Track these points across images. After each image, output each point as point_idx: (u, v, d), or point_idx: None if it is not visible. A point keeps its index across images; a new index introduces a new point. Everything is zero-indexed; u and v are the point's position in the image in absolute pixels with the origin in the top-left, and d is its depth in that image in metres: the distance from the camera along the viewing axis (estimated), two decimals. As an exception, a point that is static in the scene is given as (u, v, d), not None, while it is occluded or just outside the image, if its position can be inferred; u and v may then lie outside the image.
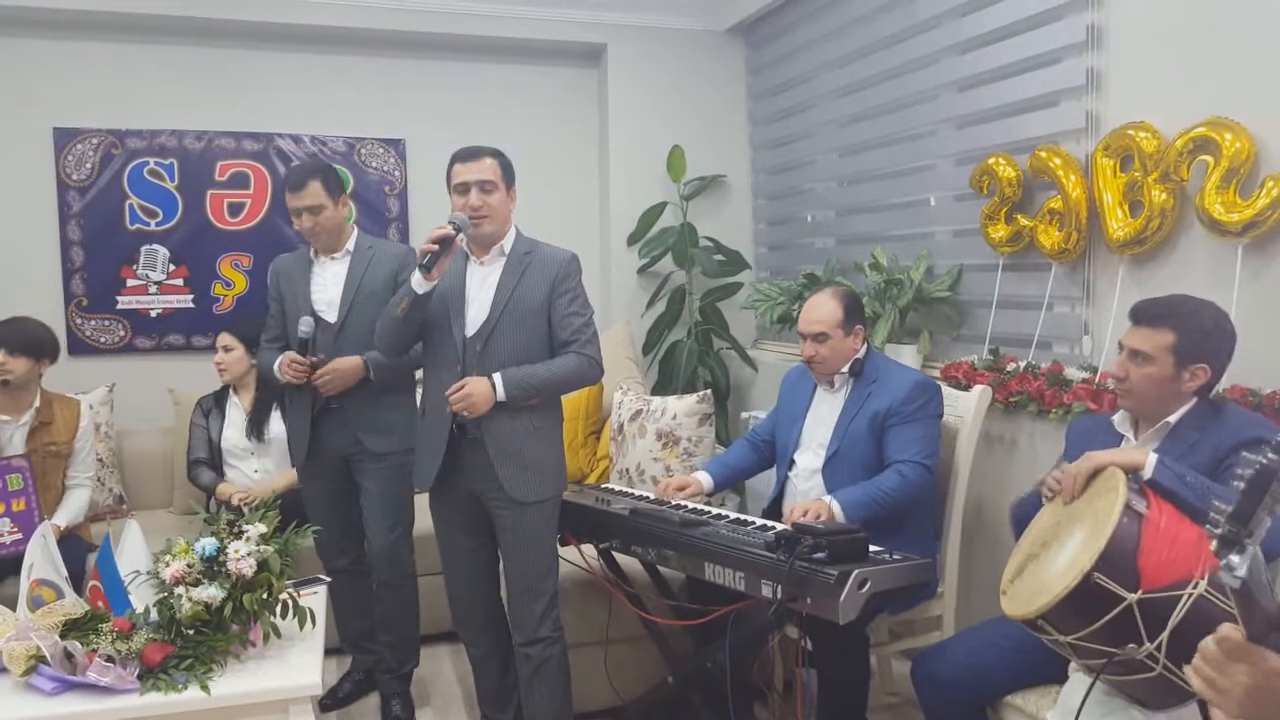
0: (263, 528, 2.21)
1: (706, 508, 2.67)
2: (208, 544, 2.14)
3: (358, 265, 2.87)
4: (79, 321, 4.07)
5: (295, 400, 2.93)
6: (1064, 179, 2.62)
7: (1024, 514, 2.13)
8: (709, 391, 3.57)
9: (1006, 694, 2.09)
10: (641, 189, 4.51)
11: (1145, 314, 1.99)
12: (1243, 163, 2.17)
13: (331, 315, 2.85)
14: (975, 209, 3.01)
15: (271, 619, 2.16)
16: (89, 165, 4.02)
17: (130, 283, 4.11)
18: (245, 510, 2.85)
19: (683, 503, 2.68)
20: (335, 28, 4.14)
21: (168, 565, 2.13)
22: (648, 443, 3.41)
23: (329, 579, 2.64)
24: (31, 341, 3.06)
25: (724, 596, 2.31)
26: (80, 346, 4.04)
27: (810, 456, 2.68)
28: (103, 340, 4.10)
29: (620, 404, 3.63)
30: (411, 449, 2.67)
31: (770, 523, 2.46)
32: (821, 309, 2.62)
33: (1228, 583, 0.96)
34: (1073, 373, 2.65)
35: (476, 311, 2.45)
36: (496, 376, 2.38)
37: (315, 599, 2.41)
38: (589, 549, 2.73)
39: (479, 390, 2.36)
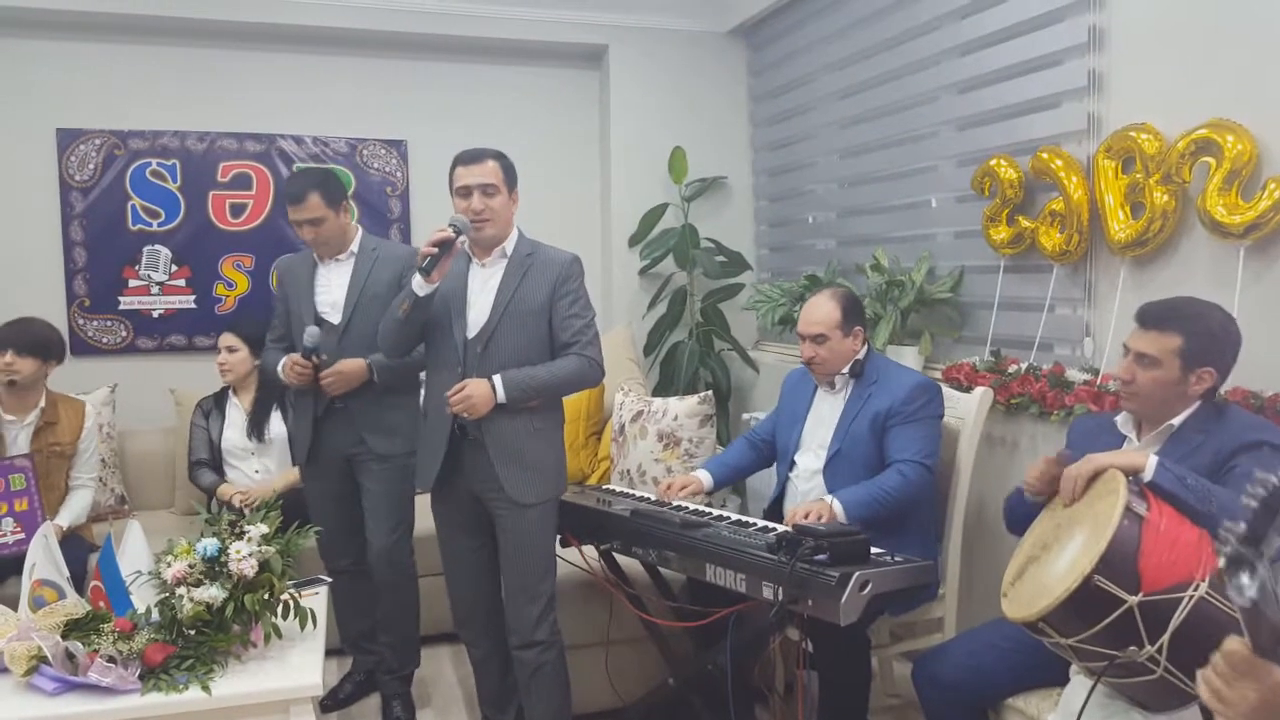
0: (264, 528, 2.22)
1: (707, 509, 2.67)
2: (209, 544, 2.14)
3: (362, 267, 2.88)
4: (81, 322, 4.07)
5: (299, 400, 2.93)
6: (1065, 181, 2.62)
7: (1015, 502, 2.14)
8: (710, 393, 3.57)
9: (1008, 696, 2.09)
10: (643, 190, 4.51)
11: (1152, 317, 1.96)
12: (1245, 165, 2.16)
13: (335, 317, 2.85)
14: (977, 210, 3.01)
15: (273, 619, 2.17)
16: (92, 166, 4.03)
17: (132, 283, 4.11)
18: (246, 511, 2.85)
19: (684, 504, 2.69)
20: (337, 29, 4.14)
21: (169, 565, 2.13)
22: (649, 444, 3.41)
23: (330, 580, 2.64)
24: (39, 342, 3.06)
25: (725, 598, 2.31)
26: (82, 347, 4.05)
27: (811, 457, 2.68)
28: (105, 340, 4.11)
29: (621, 405, 3.63)
30: (414, 450, 2.67)
31: (771, 524, 2.46)
32: (820, 310, 2.62)
33: (1236, 602, 0.96)
34: (1074, 374, 2.65)
35: (477, 313, 2.46)
36: (497, 378, 2.38)
37: (316, 599, 2.41)
38: (590, 550, 2.73)
39: (479, 392, 2.36)
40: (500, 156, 2.46)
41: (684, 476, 2.83)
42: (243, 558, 2.12)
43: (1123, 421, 2.09)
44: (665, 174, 4.48)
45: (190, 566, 2.12)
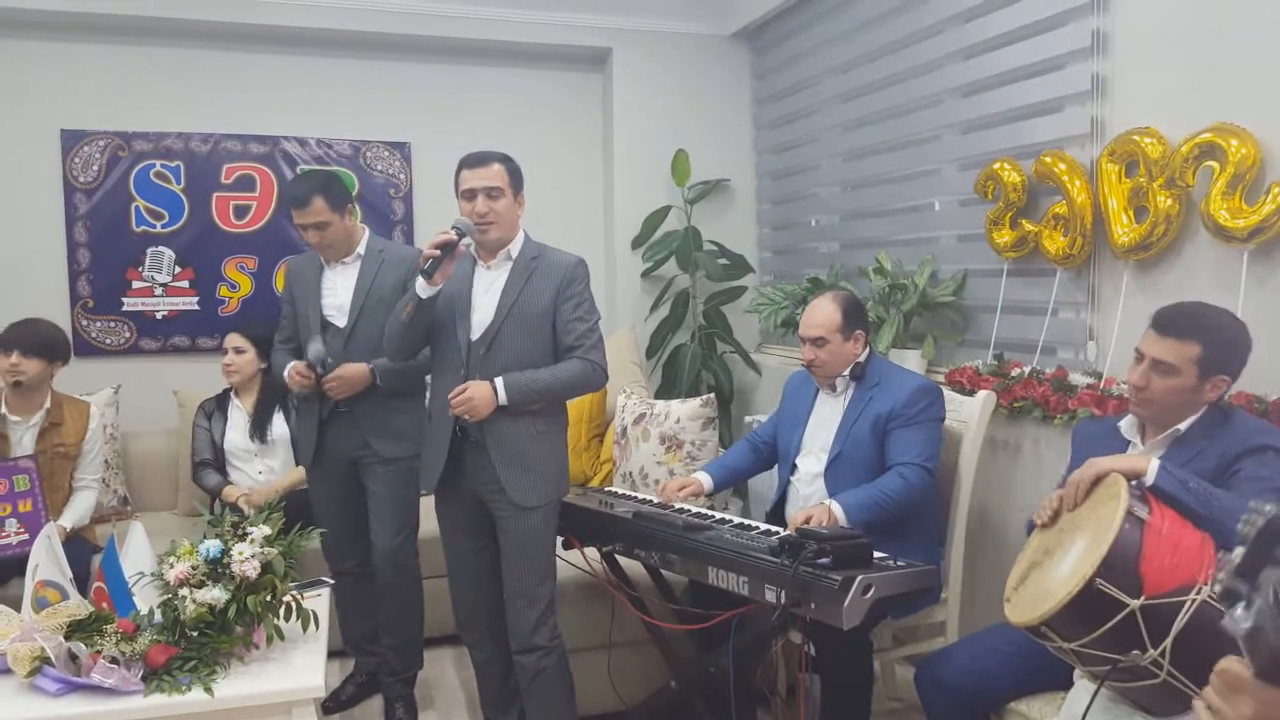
0: (267, 530, 2.22)
1: (710, 511, 2.67)
2: (212, 546, 2.14)
3: (368, 270, 2.88)
4: (85, 323, 4.08)
5: (304, 403, 2.94)
6: (1069, 184, 2.62)
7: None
8: (712, 395, 3.57)
9: (1010, 700, 2.09)
10: (646, 193, 4.52)
11: (1172, 324, 1.93)
12: (1248, 169, 2.16)
13: (341, 320, 2.85)
14: (980, 214, 3.01)
15: (275, 621, 2.17)
16: (96, 167, 4.03)
17: (136, 284, 4.12)
18: (249, 512, 2.85)
19: (686, 506, 2.69)
20: (341, 31, 4.15)
21: (172, 567, 2.13)
22: (651, 446, 3.41)
23: (332, 581, 2.64)
24: (45, 343, 3.07)
25: (727, 601, 2.31)
26: (86, 348, 4.06)
27: (812, 461, 2.68)
28: (108, 342, 4.12)
29: (624, 407, 3.63)
30: (419, 454, 2.67)
31: (774, 528, 2.46)
32: (820, 313, 2.62)
33: (1233, 632, 0.96)
34: (1077, 378, 2.64)
35: (481, 315, 2.46)
36: (498, 381, 2.38)
37: (318, 601, 2.42)
38: (592, 552, 2.73)
39: (480, 394, 2.36)
40: (506, 160, 2.46)
41: (683, 478, 2.84)
42: (245, 559, 2.12)
43: (1126, 426, 2.09)
44: (668, 176, 4.48)
45: (193, 568, 2.12)
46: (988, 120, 3.07)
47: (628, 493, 2.98)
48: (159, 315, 4.16)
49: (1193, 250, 2.38)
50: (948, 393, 2.76)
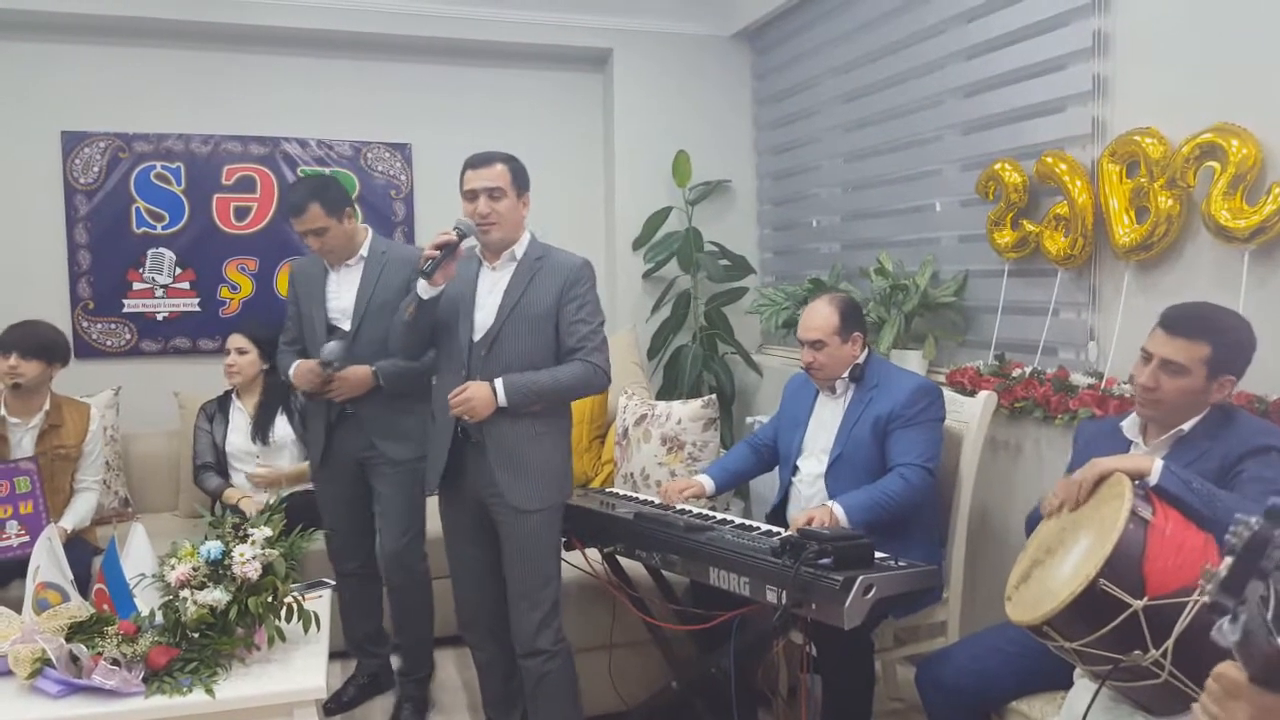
0: (268, 531, 2.22)
1: (711, 512, 2.67)
2: (213, 547, 2.14)
3: (371, 272, 2.87)
4: (85, 325, 4.08)
5: (312, 406, 2.93)
6: (1070, 185, 2.62)
7: (1037, 520, 2.12)
8: (714, 396, 3.57)
9: (1011, 700, 2.09)
10: (646, 194, 4.52)
11: (1182, 325, 1.93)
12: (1249, 169, 2.16)
13: (345, 323, 2.85)
14: (981, 214, 3.01)
15: (276, 622, 2.17)
16: (96, 169, 4.03)
17: (136, 286, 4.12)
18: (251, 514, 2.85)
19: (687, 507, 2.69)
20: (341, 32, 4.15)
21: (173, 568, 2.13)
22: (652, 447, 3.41)
23: (334, 583, 2.64)
24: (44, 345, 3.06)
25: (728, 602, 2.31)
26: (86, 350, 4.05)
27: (813, 462, 2.68)
28: (109, 343, 4.12)
29: (625, 408, 3.63)
30: (425, 455, 2.67)
31: (775, 528, 2.46)
32: (818, 316, 2.62)
33: (1222, 644, 0.96)
34: (1078, 378, 2.64)
35: (484, 316, 2.46)
36: (498, 382, 2.38)
37: (320, 602, 2.42)
38: (593, 553, 2.73)
39: (479, 395, 2.36)
40: (510, 160, 2.46)
41: (685, 480, 2.84)
42: (246, 561, 2.12)
43: (1129, 426, 2.08)
44: (669, 177, 4.48)
45: (194, 569, 2.12)
46: (989, 121, 3.07)
47: (629, 494, 2.98)
48: (160, 317, 4.16)
49: (1194, 250, 2.38)
50: (949, 393, 2.76)
